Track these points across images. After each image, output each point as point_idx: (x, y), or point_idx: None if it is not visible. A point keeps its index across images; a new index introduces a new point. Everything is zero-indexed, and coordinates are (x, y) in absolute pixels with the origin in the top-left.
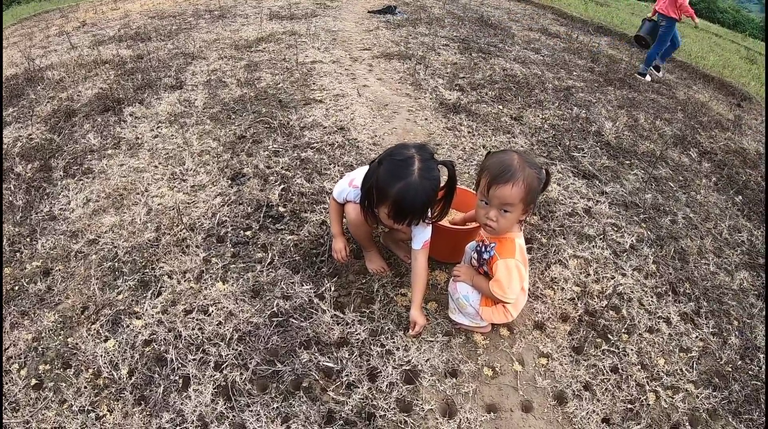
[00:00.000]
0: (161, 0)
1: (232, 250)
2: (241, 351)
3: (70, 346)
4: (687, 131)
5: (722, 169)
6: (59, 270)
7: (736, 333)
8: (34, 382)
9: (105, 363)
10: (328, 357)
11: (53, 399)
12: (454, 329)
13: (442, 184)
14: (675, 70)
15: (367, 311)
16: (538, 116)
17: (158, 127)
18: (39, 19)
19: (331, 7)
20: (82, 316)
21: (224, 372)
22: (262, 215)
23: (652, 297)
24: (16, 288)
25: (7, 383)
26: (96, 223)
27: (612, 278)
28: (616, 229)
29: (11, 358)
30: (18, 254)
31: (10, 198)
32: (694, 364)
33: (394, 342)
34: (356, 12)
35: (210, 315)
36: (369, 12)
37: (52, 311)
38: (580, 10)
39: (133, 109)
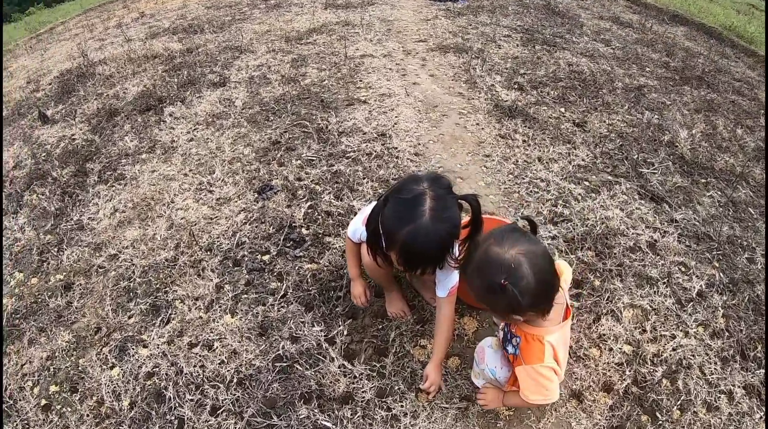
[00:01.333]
0: None
1: (246, 276)
2: (239, 397)
3: (79, 368)
4: None
5: None
6: (80, 285)
7: None
8: (43, 402)
9: (108, 392)
10: (328, 415)
11: (58, 423)
12: (474, 393)
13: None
14: (757, 67)
15: (378, 365)
16: (604, 122)
17: (195, 130)
18: (102, 9)
19: None
20: (95, 338)
21: (219, 418)
22: (282, 238)
23: (715, 363)
24: (39, 301)
25: (20, 400)
26: (119, 236)
27: (672, 337)
28: (683, 269)
29: (26, 375)
30: (45, 265)
31: (45, 204)
32: None
33: (402, 406)
34: None
35: (214, 351)
36: None
37: (67, 330)
38: None
39: (174, 108)
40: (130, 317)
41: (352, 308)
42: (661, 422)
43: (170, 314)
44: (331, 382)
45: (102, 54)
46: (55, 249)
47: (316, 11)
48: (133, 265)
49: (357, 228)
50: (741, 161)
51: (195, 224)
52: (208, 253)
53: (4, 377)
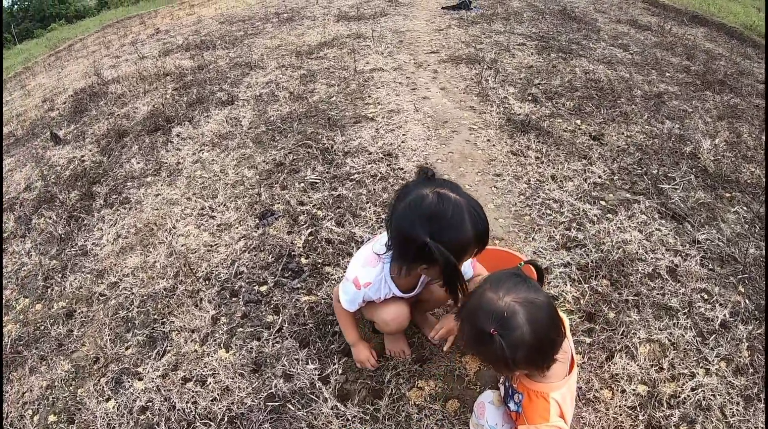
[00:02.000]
0: (235, 3)
1: (243, 308)
2: None
3: (77, 399)
4: None
5: None
6: (81, 313)
7: None
8: None
9: (103, 426)
10: None
11: None
12: None
13: None
14: None
15: (372, 408)
16: (622, 134)
17: (201, 151)
18: (120, 26)
19: (403, 4)
20: (93, 368)
21: None
22: (280, 268)
23: (738, 403)
24: (42, 328)
25: (20, 428)
26: (121, 264)
27: (692, 376)
28: (706, 297)
29: (27, 403)
30: (49, 291)
31: (51, 229)
32: None
33: None
34: (429, 8)
35: (207, 387)
36: (443, 8)
37: (67, 359)
38: None
39: (181, 128)
40: (127, 348)
41: (348, 345)
42: None
43: (166, 347)
44: (323, 424)
45: (115, 72)
46: (59, 275)
47: (327, 24)
48: (133, 294)
49: (354, 296)
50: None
51: (195, 252)
52: (206, 282)
53: (5, 404)
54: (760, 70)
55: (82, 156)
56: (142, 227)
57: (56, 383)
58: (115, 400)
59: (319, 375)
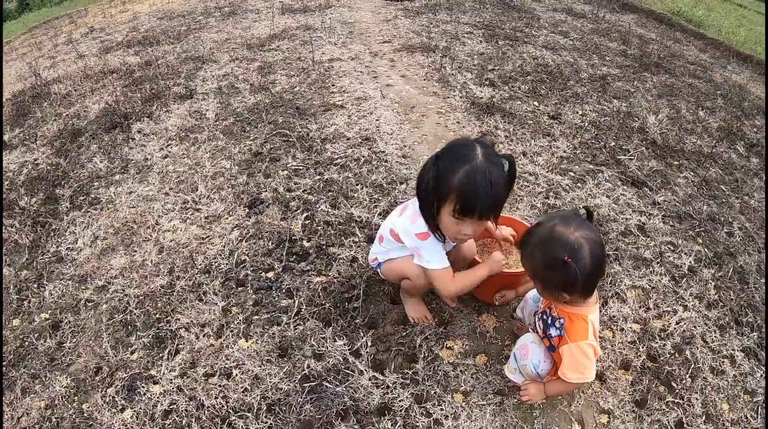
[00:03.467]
0: None
1: (254, 296)
2: (271, 424)
3: (85, 415)
4: (731, 121)
5: None
6: (69, 322)
7: None
8: None
9: None
10: None
11: None
12: (507, 387)
13: None
14: (708, 49)
15: (410, 372)
16: (577, 113)
17: (168, 145)
18: (48, 26)
19: None
20: (96, 379)
21: None
22: (284, 252)
23: (715, 331)
24: (26, 344)
25: None
26: (105, 266)
27: (674, 312)
28: (672, 248)
29: (27, 428)
30: (26, 303)
31: (16, 237)
32: (759, 409)
33: (441, 409)
34: (372, 0)
35: (234, 379)
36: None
37: (63, 373)
38: None
39: (142, 124)
40: (132, 353)
41: (371, 317)
42: (677, 390)
43: (177, 345)
44: (364, 396)
45: (55, 72)
46: (35, 285)
47: (274, 17)
48: (127, 295)
49: (436, 246)
50: (707, 142)
51: (186, 246)
52: (207, 275)
53: None
54: (690, 52)
55: (35, 159)
56: (120, 227)
57: (56, 402)
58: (132, 408)
59: (349, 350)
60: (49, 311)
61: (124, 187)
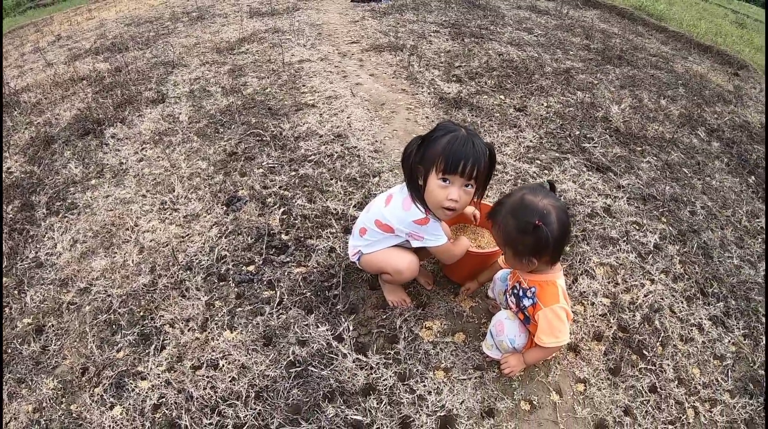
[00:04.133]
0: (137, 5)
1: (236, 290)
2: (260, 410)
3: (74, 415)
4: (692, 108)
5: (731, 147)
6: (52, 326)
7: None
8: None
9: None
10: (356, 409)
11: None
12: (486, 362)
13: None
14: (669, 41)
15: (392, 352)
16: (542, 105)
17: (143, 149)
18: (13, 36)
19: None
20: (83, 379)
21: None
22: (264, 246)
23: (682, 302)
24: (11, 349)
25: None
26: (85, 268)
27: (641, 286)
28: (638, 227)
29: None
30: (7, 310)
31: None
32: (729, 372)
33: (424, 385)
34: (339, 2)
35: (221, 370)
36: (352, 1)
37: (50, 376)
38: None
39: (115, 130)
40: (118, 351)
41: (351, 303)
42: (649, 357)
43: (163, 340)
44: (349, 378)
45: (23, 81)
46: (15, 291)
47: (242, 20)
48: (109, 296)
49: (436, 225)
50: (669, 128)
51: (167, 245)
52: (189, 271)
53: None
54: (651, 45)
55: (9, 168)
56: (99, 230)
57: (44, 404)
58: (121, 405)
59: (332, 335)
60: (32, 316)
61: (100, 191)
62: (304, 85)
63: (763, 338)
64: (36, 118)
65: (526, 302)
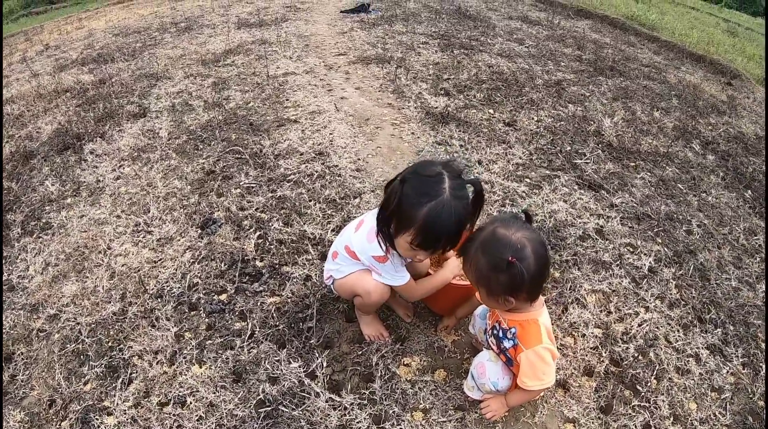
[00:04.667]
0: (126, 15)
1: (206, 320)
2: None
3: None
4: (686, 120)
5: (727, 160)
6: (21, 354)
7: (765, 359)
8: None
9: None
10: None
11: None
12: (468, 401)
13: None
14: (662, 51)
15: (367, 392)
16: (533, 119)
17: (120, 166)
18: (4, 45)
19: (302, 9)
20: (50, 412)
21: None
22: (237, 273)
23: (678, 330)
24: None
25: None
26: (56, 293)
27: (636, 314)
28: (631, 249)
29: None
30: None
31: None
32: (727, 405)
33: (401, 428)
34: (328, 13)
35: (188, 407)
36: (341, 12)
37: (17, 408)
38: None
39: (94, 145)
40: (85, 384)
41: (326, 337)
42: (642, 393)
43: (130, 374)
44: (322, 419)
45: (8, 92)
46: None
47: (230, 32)
48: (78, 324)
49: (395, 265)
50: (663, 142)
51: (138, 270)
52: (159, 300)
53: None
54: (644, 55)
55: None
56: (72, 252)
57: None
58: None
59: (305, 372)
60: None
61: (75, 210)
62: (287, 99)
63: (763, 366)
64: (17, 131)
65: (507, 344)
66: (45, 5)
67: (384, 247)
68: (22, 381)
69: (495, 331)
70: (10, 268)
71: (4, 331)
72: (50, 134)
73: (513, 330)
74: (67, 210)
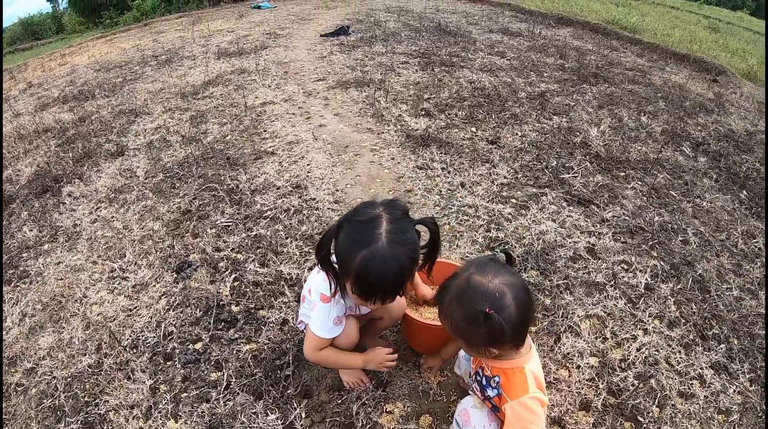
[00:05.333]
0: (108, 49)
1: (182, 371)
2: None
3: None
4: (674, 123)
5: (719, 160)
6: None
7: None
8: None
9: None
10: None
11: None
12: None
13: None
14: (645, 53)
15: None
16: (517, 134)
17: (97, 209)
18: None
19: (282, 36)
20: None
21: None
22: (212, 320)
23: (679, 351)
24: None
25: None
26: (33, 346)
27: (633, 338)
28: (626, 267)
29: None
30: None
31: None
32: (737, 428)
33: None
34: (308, 38)
35: None
36: (321, 35)
37: None
38: (537, 3)
39: (72, 187)
40: None
41: (303, 385)
42: (644, 425)
43: None
44: None
45: None
46: None
47: (209, 62)
48: (54, 377)
49: (329, 315)
50: (653, 148)
51: (114, 319)
52: (134, 350)
53: None
54: (627, 59)
55: None
56: (48, 301)
57: None
58: None
59: (282, 424)
60: None
61: (52, 256)
62: (265, 130)
63: None
64: None
65: (491, 392)
66: (31, 41)
67: (332, 289)
68: None
69: (478, 378)
70: None
71: None
72: (29, 177)
73: (497, 378)
74: (44, 256)
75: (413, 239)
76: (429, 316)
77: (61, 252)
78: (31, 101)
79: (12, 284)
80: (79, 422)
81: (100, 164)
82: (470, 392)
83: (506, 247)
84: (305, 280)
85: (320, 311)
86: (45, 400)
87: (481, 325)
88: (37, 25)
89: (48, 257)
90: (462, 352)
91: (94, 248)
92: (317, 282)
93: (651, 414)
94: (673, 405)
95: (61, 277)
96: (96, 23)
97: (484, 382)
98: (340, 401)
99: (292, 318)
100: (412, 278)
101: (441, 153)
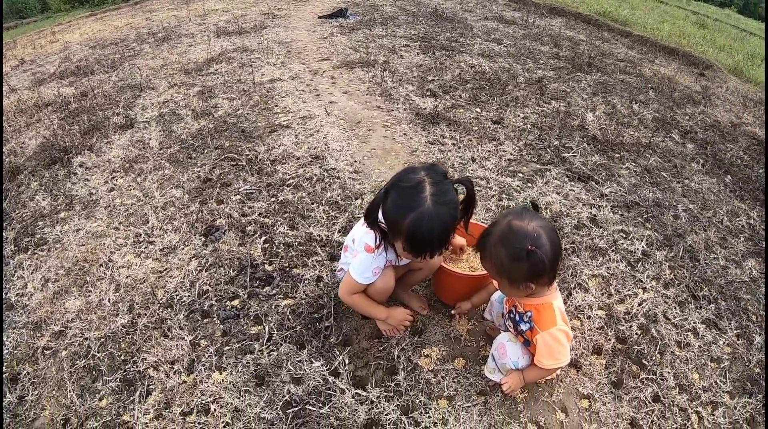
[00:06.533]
0: (100, 27)
1: (221, 327)
2: None
3: None
4: (664, 112)
5: (705, 148)
6: (28, 374)
7: (757, 330)
8: None
9: None
10: None
11: None
12: (489, 386)
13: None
14: (635, 45)
15: (392, 384)
16: (519, 116)
17: (113, 178)
18: None
19: (280, 16)
20: None
21: None
22: (248, 278)
23: (675, 308)
24: None
25: None
26: (59, 309)
27: (635, 295)
28: (624, 235)
29: None
30: None
31: None
32: (727, 374)
33: (429, 417)
34: (306, 19)
35: (213, 415)
36: (319, 17)
37: None
38: None
39: (83, 158)
40: (101, 399)
41: (344, 335)
42: (649, 367)
43: (148, 386)
44: (350, 414)
45: None
46: None
47: (210, 40)
48: (87, 339)
49: (369, 265)
50: (644, 133)
51: (144, 281)
52: (170, 309)
53: None
54: (618, 50)
55: None
56: (71, 267)
57: None
58: None
59: (328, 370)
60: (5, 364)
61: (70, 224)
62: (276, 106)
63: (756, 337)
64: None
65: (523, 327)
66: (15, 20)
67: (376, 243)
68: (31, 401)
69: (512, 315)
70: (6, 286)
71: (5, 351)
72: (35, 149)
73: (529, 313)
74: (62, 224)
75: (454, 199)
76: (462, 266)
77: (78, 220)
78: (26, 77)
79: (29, 252)
80: (117, 380)
81: (109, 136)
82: (502, 331)
83: None
84: (341, 240)
85: (362, 259)
86: (78, 361)
87: (524, 261)
88: (22, 3)
89: (65, 225)
90: (495, 296)
91: (114, 215)
92: (362, 232)
93: (654, 358)
94: (672, 352)
95: (83, 243)
96: (82, 1)
97: (517, 318)
98: (381, 347)
99: (327, 275)
100: (454, 232)
101: (450, 130)
